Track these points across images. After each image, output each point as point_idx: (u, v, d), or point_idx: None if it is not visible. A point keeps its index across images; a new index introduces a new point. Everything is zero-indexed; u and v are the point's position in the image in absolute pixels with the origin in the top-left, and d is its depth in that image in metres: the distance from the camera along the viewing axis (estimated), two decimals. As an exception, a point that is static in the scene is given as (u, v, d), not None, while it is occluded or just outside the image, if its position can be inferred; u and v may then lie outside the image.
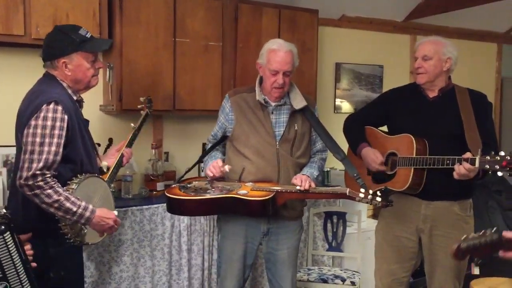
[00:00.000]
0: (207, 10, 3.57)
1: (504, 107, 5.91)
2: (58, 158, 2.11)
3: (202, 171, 3.65)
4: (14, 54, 3.25)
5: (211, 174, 2.62)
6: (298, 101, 2.71)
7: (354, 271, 3.59)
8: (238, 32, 3.71)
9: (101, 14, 3.17)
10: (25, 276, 1.68)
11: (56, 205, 2.08)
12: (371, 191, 2.42)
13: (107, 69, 3.34)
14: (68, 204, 2.10)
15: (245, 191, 2.54)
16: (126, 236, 3.13)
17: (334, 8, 4.50)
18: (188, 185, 2.70)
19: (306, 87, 3.98)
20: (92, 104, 3.40)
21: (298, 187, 2.53)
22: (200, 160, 2.86)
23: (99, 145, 2.86)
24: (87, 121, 2.42)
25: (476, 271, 3.82)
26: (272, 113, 2.71)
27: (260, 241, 2.76)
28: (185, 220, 3.28)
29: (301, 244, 3.79)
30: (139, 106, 3.00)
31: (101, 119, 3.54)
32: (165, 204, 3.16)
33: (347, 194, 2.47)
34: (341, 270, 3.65)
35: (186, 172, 2.90)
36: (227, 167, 2.61)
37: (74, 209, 2.12)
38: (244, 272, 2.77)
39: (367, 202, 2.43)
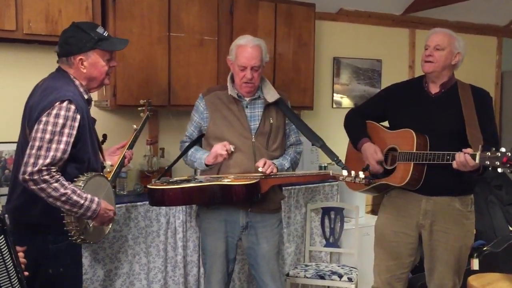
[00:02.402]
0: (202, 4, 3.53)
1: (504, 101, 5.86)
2: (66, 156, 2.09)
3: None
4: (5, 49, 3.21)
5: (224, 153, 2.62)
6: (271, 95, 2.76)
7: (352, 267, 3.57)
8: (234, 27, 3.67)
9: (94, 8, 3.13)
10: (16, 281, 1.64)
11: (63, 198, 2.06)
12: (353, 172, 2.50)
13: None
14: (75, 197, 2.08)
15: (229, 179, 2.57)
16: (121, 233, 3.11)
17: (332, 1, 4.46)
18: (170, 180, 2.71)
19: (303, 82, 3.95)
20: (86, 100, 3.38)
21: (260, 169, 2.59)
22: (178, 159, 2.85)
23: (103, 141, 2.84)
24: (94, 120, 2.41)
25: (475, 266, 3.78)
26: (247, 107, 2.75)
27: (239, 235, 2.78)
28: (180, 216, 3.26)
29: (299, 240, 3.78)
30: (139, 109, 2.96)
31: (95, 115, 3.44)
32: (160, 201, 3.18)
33: (331, 174, 2.58)
34: (338, 266, 3.62)
35: (167, 170, 2.91)
36: (232, 147, 2.65)
37: (82, 201, 2.10)
38: (228, 267, 2.81)
39: (350, 180, 2.50)
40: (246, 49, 2.66)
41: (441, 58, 2.63)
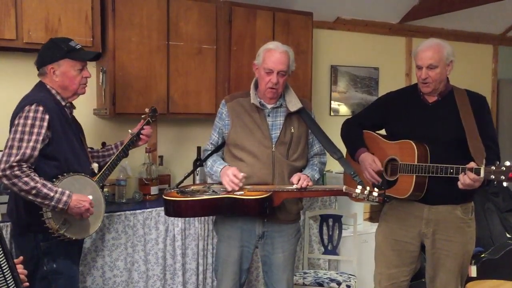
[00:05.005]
0: (201, 13, 3.56)
1: (501, 109, 5.90)
2: (35, 153, 2.30)
3: (197, 174, 3.66)
4: (5, 58, 3.24)
5: (231, 188, 2.55)
6: (294, 104, 2.71)
7: (350, 274, 3.57)
8: (232, 35, 3.69)
9: (93, 17, 3.16)
10: (12, 283, 1.66)
11: (33, 191, 2.26)
12: (368, 188, 2.43)
13: (100, 72, 3.33)
14: (45, 190, 2.27)
15: (242, 192, 2.56)
16: (120, 241, 3.11)
17: (329, 10, 4.49)
18: (186, 189, 2.71)
19: (301, 89, 3.97)
20: (86, 108, 3.40)
21: (295, 185, 2.55)
22: (198, 166, 2.85)
23: (91, 148, 2.90)
24: (79, 126, 2.67)
25: (473, 273, 3.80)
26: (269, 115, 2.71)
27: (256, 244, 2.75)
28: (179, 224, 3.26)
29: (297, 247, 3.77)
30: (142, 116, 2.98)
31: (94, 123, 3.53)
32: (159, 208, 3.20)
33: (344, 190, 2.49)
34: (337, 273, 3.63)
35: (185, 177, 2.88)
36: (242, 174, 2.57)
37: (51, 194, 2.28)
38: (240, 276, 2.76)
39: (364, 198, 2.42)
40: (275, 53, 2.63)
41: (437, 76, 2.59)
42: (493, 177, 2.26)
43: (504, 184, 2.24)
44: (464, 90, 2.68)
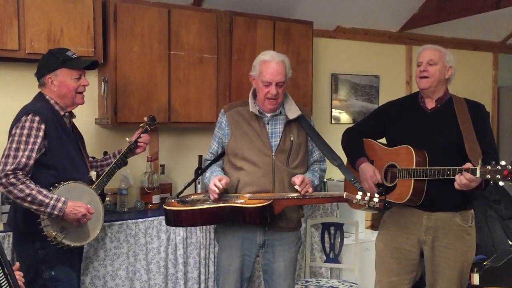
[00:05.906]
0: (202, 23, 3.58)
1: (501, 116, 5.91)
2: (31, 162, 2.35)
3: (199, 182, 3.67)
4: (8, 68, 3.26)
5: (212, 197, 2.57)
6: (293, 111, 2.72)
7: (352, 283, 3.57)
8: (233, 44, 3.71)
9: (95, 28, 3.18)
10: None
11: (29, 198, 2.29)
12: (368, 194, 2.43)
13: (102, 82, 3.35)
14: (40, 197, 2.30)
15: (242, 200, 2.56)
16: (122, 250, 3.11)
17: (329, 19, 4.52)
18: (187, 199, 2.71)
19: (301, 98, 3.99)
20: (87, 117, 3.42)
21: (296, 186, 2.53)
22: (199, 175, 2.85)
23: (93, 157, 2.91)
24: (79, 134, 2.70)
25: (475, 281, 3.78)
26: (268, 123, 2.71)
27: (257, 253, 2.75)
28: (181, 233, 3.26)
29: (299, 255, 3.77)
30: (141, 125, 2.98)
31: (96, 132, 3.54)
32: (161, 217, 3.20)
33: (344, 197, 2.48)
34: (339, 281, 3.62)
35: (186, 187, 2.89)
36: (224, 182, 2.57)
37: (47, 201, 2.31)
38: (241, 285, 2.76)
39: (364, 204, 2.42)
40: (271, 64, 2.62)
41: (436, 73, 2.65)
42: (489, 176, 2.28)
43: (500, 183, 2.26)
44: (463, 99, 2.72)
